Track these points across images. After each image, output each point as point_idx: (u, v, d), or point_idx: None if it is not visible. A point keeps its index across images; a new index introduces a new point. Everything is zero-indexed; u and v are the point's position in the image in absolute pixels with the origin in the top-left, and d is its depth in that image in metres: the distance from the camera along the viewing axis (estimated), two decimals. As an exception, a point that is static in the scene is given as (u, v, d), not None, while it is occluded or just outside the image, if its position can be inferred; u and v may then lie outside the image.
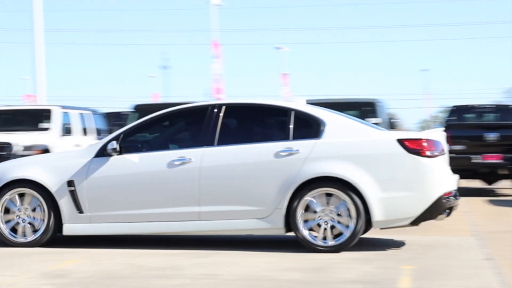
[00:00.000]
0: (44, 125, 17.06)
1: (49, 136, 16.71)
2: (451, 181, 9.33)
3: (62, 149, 16.36)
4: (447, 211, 9.14)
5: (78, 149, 11.08)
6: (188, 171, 9.17)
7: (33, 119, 17.33)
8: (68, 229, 9.41)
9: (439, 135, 9.57)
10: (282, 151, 9.05)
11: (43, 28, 21.52)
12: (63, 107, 17.55)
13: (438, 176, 8.99)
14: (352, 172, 8.83)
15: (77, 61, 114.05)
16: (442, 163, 9.19)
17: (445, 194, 9.04)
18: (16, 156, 15.10)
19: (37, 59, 21.26)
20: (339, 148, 8.99)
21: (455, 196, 9.30)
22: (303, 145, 9.04)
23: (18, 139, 16.18)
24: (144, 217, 9.25)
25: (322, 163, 8.91)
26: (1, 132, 16.63)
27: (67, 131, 17.10)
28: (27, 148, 15.94)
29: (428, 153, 8.93)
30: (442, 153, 9.23)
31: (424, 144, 8.95)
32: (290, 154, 9.02)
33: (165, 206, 9.22)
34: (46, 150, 16.08)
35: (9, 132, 16.61)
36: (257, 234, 9.28)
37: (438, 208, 8.96)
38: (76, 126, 17.60)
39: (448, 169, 9.37)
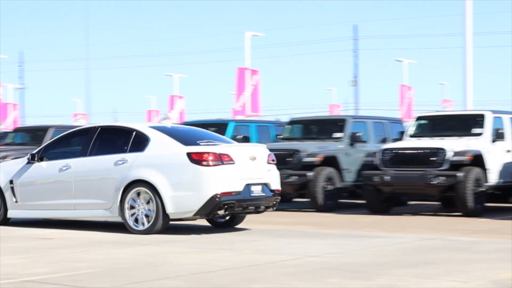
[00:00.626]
0: (476, 130, 16.69)
1: (481, 141, 16.37)
2: (230, 185, 11.72)
3: (494, 154, 16.28)
4: (225, 207, 11.70)
5: (21, 157, 14.07)
6: (69, 174, 12.68)
7: (465, 124, 17.00)
8: (10, 214, 13.40)
9: (230, 148, 12.05)
10: (119, 160, 12.21)
11: (472, 31, 21.51)
12: (494, 111, 17.10)
13: (213, 180, 11.55)
14: (155, 177, 11.76)
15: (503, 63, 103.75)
16: (222, 170, 11.66)
17: (221, 194, 11.57)
18: (448, 161, 15.62)
19: (466, 63, 21.28)
20: (151, 159, 11.97)
21: (239, 196, 11.81)
22: (131, 157, 12.15)
23: (449, 144, 16.02)
24: (48, 206, 12.94)
25: (139, 170, 11.96)
26: (434, 138, 16.77)
27: (498, 136, 16.55)
28: (458, 153, 15.80)
29: (205, 163, 11.56)
30: (229, 162, 11.74)
31: (205, 156, 11.60)
32: (123, 163, 12.14)
33: (57, 199, 12.80)
34: (478, 156, 15.95)
35: (441, 137, 16.68)
36: (104, 220, 12.81)
37: (212, 205, 11.58)
38: (508, 131, 17.04)
39: (230, 175, 11.73)
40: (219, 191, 11.60)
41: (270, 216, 15.20)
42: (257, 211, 12.46)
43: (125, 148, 12.31)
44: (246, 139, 19.37)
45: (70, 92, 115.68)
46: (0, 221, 13.38)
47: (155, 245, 10.65)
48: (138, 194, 11.98)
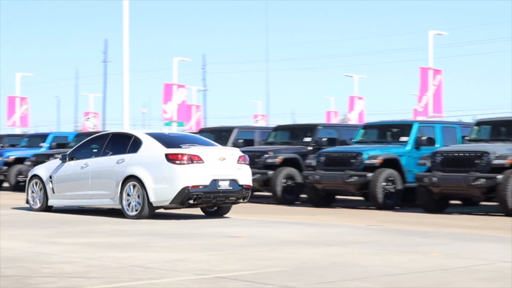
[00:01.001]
0: None
1: None
2: (198, 180, 14.37)
3: None
4: (194, 197, 14.36)
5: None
6: (87, 170, 15.77)
7: None
8: (50, 202, 16.61)
9: (204, 151, 14.70)
10: (119, 160, 15.16)
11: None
12: None
13: (184, 176, 14.26)
14: (142, 172, 14.60)
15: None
16: (192, 168, 14.33)
17: (190, 187, 14.27)
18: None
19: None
20: (141, 158, 14.81)
21: (206, 189, 14.43)
22: (128, 157, 15.05)
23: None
24: (73, 196, 16.07)
25: (133, 167, 14.79)
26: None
27: None
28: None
29: (178, 162, 14.32)
30: (198, 161, 14.41)
31: (179, 156, 14.36)
32: (122, 162, 15.06)
33: (79, 190, 15.87)
34: None
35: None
36: (110, 207, 15.55)
37: (183, 195, 14.32)
38: None
39: (199, 172, 14.37)
40: (188, 184, 14.31)
41: (458, 220, 14.82)
42: (225, 202, 15.00)
43: (125, 150, 15.25)
44: (430, 141, 19.05)
45: (250, 94, 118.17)
46: (43, 208, 16.69)
47: (341, 245, 10.63)
48: (134, 186, 14.76)
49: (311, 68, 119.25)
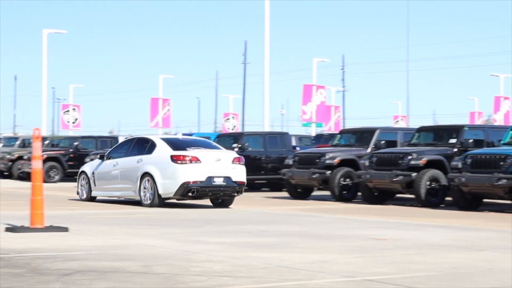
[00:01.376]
0: None
1: None
2: (195, 176, 17.56)
3: None
4: (192, 190, 17.61)
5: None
6: (117, 168, 19.20)
7: None
8: (93, 193, 19.97)
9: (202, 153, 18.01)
10: (139, 160, 18.53)
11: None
12: None
13: (184, 173, 17.50)
14: (154, 170, 17.88)
15: None
16: (191, 167, 17.58)
17: (188, 182, 17.50)
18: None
19: None
20: (154, 159, 18.12)
21: (202, 184, 17.70)
22: (144, 157, 18.39)
23: None
24: (107, 188, 19.45)
25: (147, 166, 18.11)
26: None
27: None
28: None
29: (180, 162, 17.61)
30: (196, 161, 17.67)
31: (180, 157, 17.60)
32: (141, 161, 18.43)
33: (111, 184, 19.26)
34: None
35: None
36: (132, 198, 18.97)
37: (183, 189, 17.57)
38: None
39: (196, 170, 17.62)
40: (187, 180, 17.53)
41: None
42: (220, 195, 18.20)
43: (144, 151, 18.54)
44: None
45: (390, 94, 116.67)
46: (88, 199, 20.03)
47: (491, 250, 10.26)
48: (148, 181, 17.99)
49: (453, 67, 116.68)
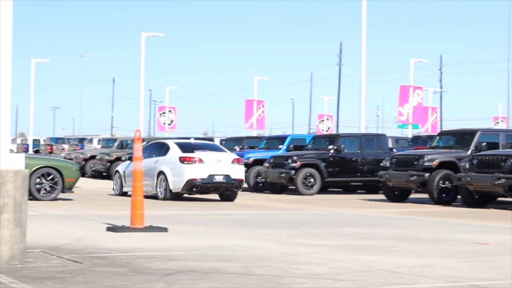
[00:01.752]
0: None
1: None
2: (198, 174, 20.36)
3: None
4: (197, 186, 20.49)
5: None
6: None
7: None
8: (124, 189, 22.59)
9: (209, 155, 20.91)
10: (156, 160, 21.29)
11: None
12: None
13: (189, 171, 20.40)
14: (166, 169, 20.83)
15: None
16: (195, 166, 20.42)
17: (192, 179, 20.34)
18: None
19: None
20: (167, 159, 21.05)
21: (204, 181, 20.48)
22: (160, 159, 21.27)
23: None
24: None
25: (162, 166, 21.05)
26: None
27: None
28: None
29: (186, 162, 20.50)
30: (199, 162, 20.49)
31: (186, 158, 20.53)
32: (157, 162, 21.24)
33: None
34: None
35: None
36: (151, 194, 21.15)
37: (188, 185, 20.43)
38: None
39: (200, 169, 20.38)
40: (191, 177, 20.44)
41: None
42: (220, 190, 20.98)
43: (160, 153, 21.55)
44: None
45: (489, 95, 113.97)
46: (121, 194, 22.81)
47: None
48: (162, 179, 20.91)
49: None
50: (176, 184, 20.64)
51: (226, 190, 20.99)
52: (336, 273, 8.04)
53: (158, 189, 21.13)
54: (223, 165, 20.69)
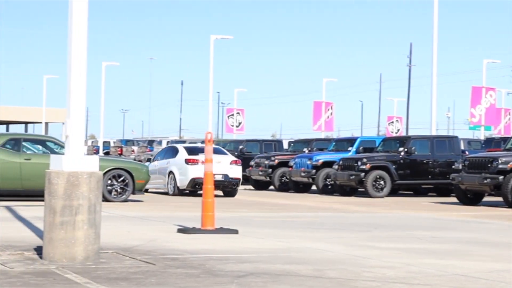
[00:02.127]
0: None
1: None
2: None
3: None
4: (198, 184, 23.30)
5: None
6: (156, 168, 25.55)
7: None
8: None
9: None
10: (167, 162, 25.20)
11: None
12: None
13: (193, 171, 23.88)
14: (175, 169, 24.50)
15: None
16: (198, 167, 23.47)
17: (195, 178, 23.54)
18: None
19: None
20: (176, 161, 24.77)
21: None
22: (171, 160, 25.11)
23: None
24: (154, 183, 24.65)
25: (171, 167, 24.72)
26: None
27: None
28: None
29: (190, 163, 24.09)
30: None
31: (191, 160, 24.14)
32: (168, 164, 25.14)
33: (155, 179, 24.60)
34: None
35: None
36: (162, 190, 25.52)
37: (192, 183, 23.90)
38: None
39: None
40: (194, 176, 23.63)
41: None
42: (220, 187, 23.64)
43: (171, 156, 25.21)
44: None
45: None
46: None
47: None
48: (172, 177, 24.42)
49: None
50: (183, 182, 24.12)
51: (226, 187, 24.40)
52: (410, 277, 7.90)
53: (168, 186, 24.77)
54: (222, 166, 23.88)
